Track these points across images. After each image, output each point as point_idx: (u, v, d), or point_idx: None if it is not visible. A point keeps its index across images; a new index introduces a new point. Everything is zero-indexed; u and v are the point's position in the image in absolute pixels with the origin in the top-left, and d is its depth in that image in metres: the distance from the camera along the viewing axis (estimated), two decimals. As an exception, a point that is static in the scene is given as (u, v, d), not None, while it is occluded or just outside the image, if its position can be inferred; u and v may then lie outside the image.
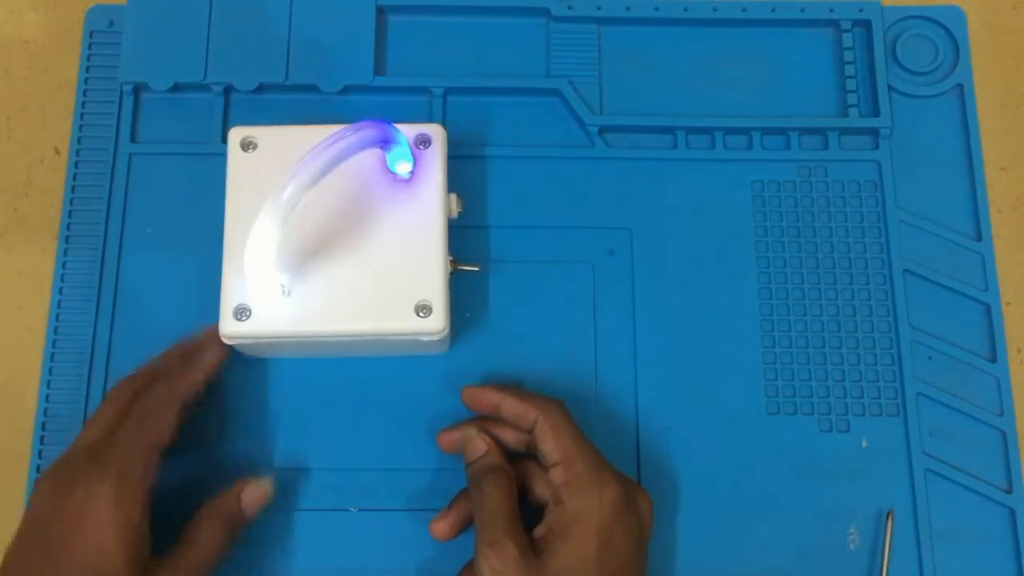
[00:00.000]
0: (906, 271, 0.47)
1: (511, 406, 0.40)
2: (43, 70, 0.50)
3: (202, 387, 0.41)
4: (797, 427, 0.45)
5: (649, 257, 0.47)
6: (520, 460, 0.41)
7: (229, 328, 0.40)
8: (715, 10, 0.50)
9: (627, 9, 0.50)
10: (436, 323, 0.40)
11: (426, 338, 0.41)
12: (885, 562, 0.42)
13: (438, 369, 0.45)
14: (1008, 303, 0.47)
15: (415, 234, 0.41)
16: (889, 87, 0.49)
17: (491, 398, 0.41)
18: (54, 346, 0.45)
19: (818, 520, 0.43)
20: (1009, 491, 0.44)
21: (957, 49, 0.50)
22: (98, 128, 0.48)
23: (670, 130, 0.49)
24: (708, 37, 0.50)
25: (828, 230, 0.47)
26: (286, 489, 0.43)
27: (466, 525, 0.41)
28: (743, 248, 0.47)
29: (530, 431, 0.40)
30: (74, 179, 0.47)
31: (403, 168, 0.41)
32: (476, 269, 0.45)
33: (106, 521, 0.36)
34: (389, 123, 0.39)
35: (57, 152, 0.49)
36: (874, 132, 0.49)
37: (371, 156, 0.41)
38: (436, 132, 0.42)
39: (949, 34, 0.50)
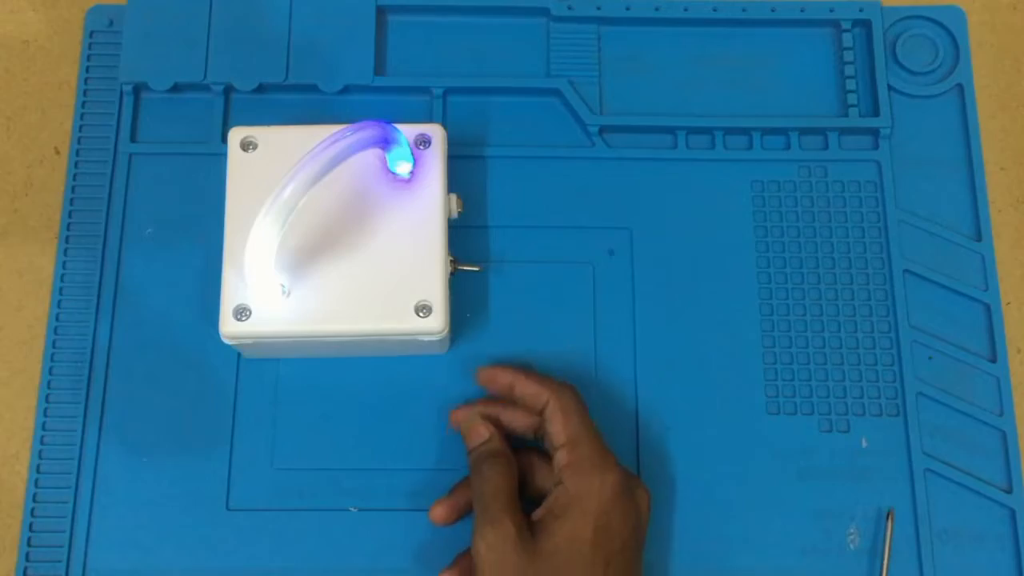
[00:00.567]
0: (906, 271, 0.47)
1: (524, 386, 0.41)
2: (43, 70, 0.50)
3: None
4: (797, 427, 0.45)
5: (649, 257, 0.47)
6: (523, 451, 0.41)
7: (229, 328, 0.40)
8: (715, 10, 0.50)
9: (627, 9, 0.50)
10: (436, 323, 0.40)
11: (426, 338, 0.41)
12: (885, 562, 0.42)
13: (438, 369, 0.45)
14: (1008, 303, 0.47)
15: (415, 234, 0.41)
16: (889, 87, 0.49)
17: (505, 378, 0.42)
18: (54, 346, 0.45)
19: (818, 520, 0.43)
20: (1009, 491, 0.44)
21: (957, 49, 0.50)
22: (98, 128, 0.48)
23: (670, 130, 0.49)
24: (708, 37, 0.50)
25: (828, 230, 0.47)
26: (287, 489, 0.43)
27: (464, 512, 0.41)
28: (743, 248, 0.47)
29: (541, 412, 0.40)
30: (74, 179, 0.47)
31: (403, 168, 0.41)
32: (476, 269, 0.45)
33: None
34: (389, 123, 0.39)
35: (57, 152, 0.49)
36: (874, 132, 0.49)
37: (371, 156, 0.41)
38: (436, 132, 0.42)
39: (949, 34, 0.50)
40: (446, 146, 0.42)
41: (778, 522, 0.43)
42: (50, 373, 0.45)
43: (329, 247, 0.41)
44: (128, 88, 0.48)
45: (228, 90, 0.48)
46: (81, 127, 0.48)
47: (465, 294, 0.45)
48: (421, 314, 0.40)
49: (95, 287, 0.46)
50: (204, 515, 0.43)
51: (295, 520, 0.43)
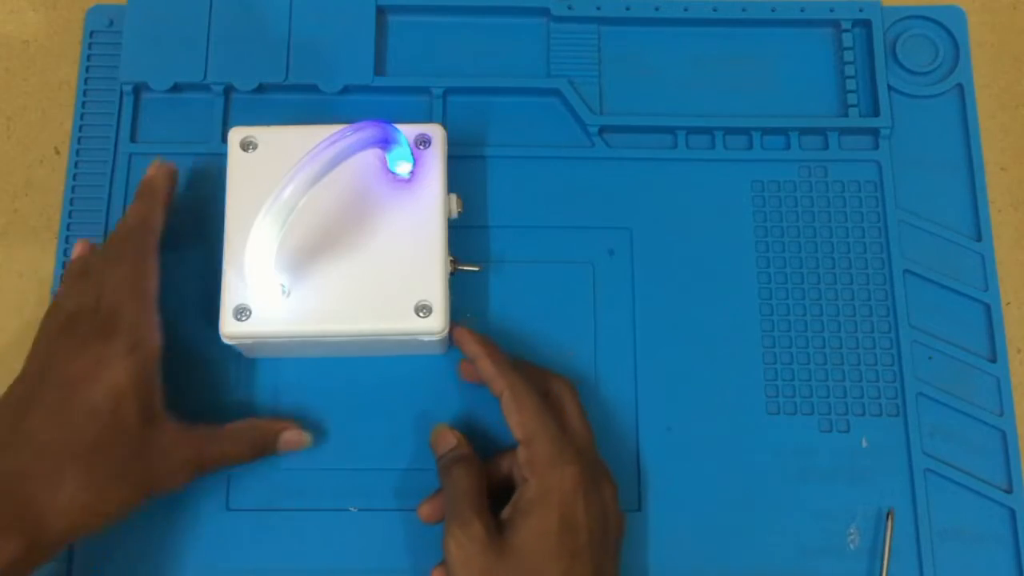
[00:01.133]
0: (906, 271, 0.47)
1: (484, 367, 0.41)
2: (43, 70, 0.50)
3: (162, 217, 0.43)
4: (797, 427, 0.45)
5: (649, 257, 0.47)
6: (505, 452, 0.41)
7: (229, 328, 0.40)
8: (715, 10, 0.50)
9: (627, 9, 0.50)
10: (436, 323, 0.40)
11: (426, 338, 0.41)
12: (885, 562, 0.42)
13: (438, 369, 0.45)
14: (1008, 303, 0.47)
15: (415, 234, 0.41)
16: (889, 87, 0.49)
17: (471, 349, 0.42)
18: (54, 346, 0.45)
19: (818, 520, 0.43)
20: (1009, 491, 0.44)
21: (957, 49, 0.50)
22: (98, 128, 0.48)
23: (670, 130, 0.49)
24: (708, 37, 0.50)
25: (828, 230, 0.47)
26: (287, 489, 0.43)
27: None
28: (743, 248, 0.47)
29: (498, 398, 0.40)
30: (74, 179, 0.47)
31: (403, 168, 0.41)
32: (476, 269, 0.45)
33: (121, 377, 0.38)
34: (389, 123, 0.39)
35: (57, 152, 0.49)
36: (874, 132, 0.49)
37: (371, 156, 0.41)
38: (436, 132, 0.42)
39: (949, 34, 0.50)
40: (446, 146, 0.42)
41: (778, 522, 0.43)
42: (50, 373, 0.45)
43: (329, 247, 0.41)
44: (128, 88, 0.48)
45: (228, 90, 0.48)
46: (81, 127, 0.48)
47: (465, 294, 0.45)
48: (421, 314, 0.40)
49: (95, 287, 0.46)
50: (204, 515, 0.43)
51: (295, 520, 0.43)
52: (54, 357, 0.39)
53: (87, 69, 0.49)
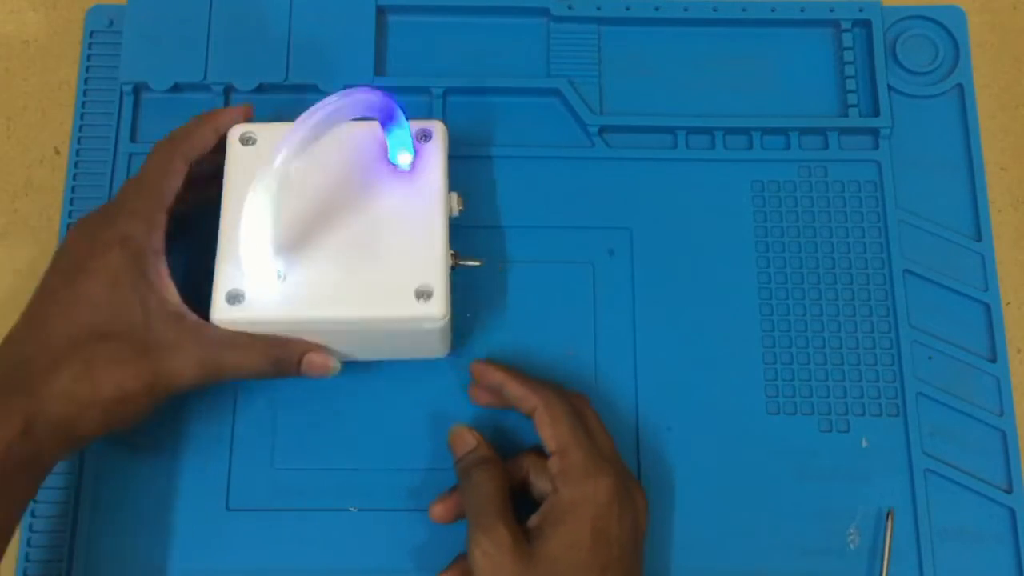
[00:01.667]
0: (906, 271, 0.47)
1: (513, 389, 0.40)
2: (43, 70, 0.50)
3: (211, 143, 0.41)
4: (797, 427, 0.45)
5: (649, 257, 0.47)
6: (523, 455, 0.41)
7: (220, 314, 0.39)
8: (715, 10, 0.50)
9: (627, 9, 0.50)
10: (437, 308, 0.39)
11: (428, 325, 0.40)
12: (885, 562, 0.42)
13: (438, 369, 0.45)
14: (1008, 303, 0.47)
15: (415, 221, 0.40)
16: (889, 87, 0.49)
17: (495, 377, 0.41)
18: (54, 346, 0.45)
19: (818, 520, 0.43)
20: (1009, 491, 0.44)
21: (957, 49, 0.50)
22: (98, 128, 0.48)
23: (670, 130, 0.49)
24: (708, 37, 0.50)
25: (828, 230, 0.47)
26: (287, 489, 0.43)
27: (463, 511, 0.40)
28: (743, 248, 0.47)
29: (530, 416, 0.40)
30: (74, 179, 0.47)
31: (404, 159, 0.41)
32: (478, 263, 0.44)
33: (113, 264, 0.38)
34: (390, 95, 0.38)
35: (57, 152, 0.49)
36: (874, 132, 0.49)
37: (372, 146, 0.41)
38: (436, 126, 0.42)
39: (949, 34, 0.50)
40: (447, 140, 0.42)
41: (778, 522, 0.43)
42: (50, 373, 0.45)
43: (327, 234, 0.40)
44: (128, 88, 0.48)
45: (228, 90, 0.48)
46: (81, 127, 0.48)
47: (465, 294, 0.45)
48: (422, 299, 0.39)
49: (95, 287, 0.45)
50: (204, 515, 0.43)
51: (295, 520, 0.43)
52: (65, 244, 0.40)
53: (87, 69, 0.49)
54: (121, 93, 0.48)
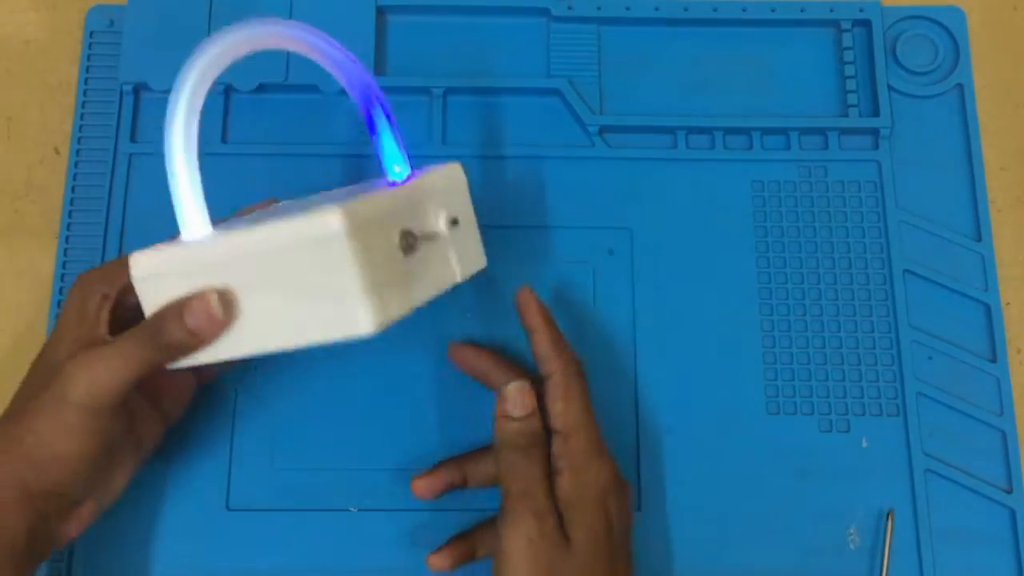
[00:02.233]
0: (906, 271, 0.47)
1: (539, 343, 0.38)
2: (43, 70, 0.50)
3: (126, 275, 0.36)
4: (797, 427, 0.45)
5: (649, 257, 0.47)
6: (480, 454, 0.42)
7: (137, 258, 0.35)
8: (715, 10, 0.50)
9: (627, 9, 0.50)
10: (333, 216, 0.32)
11: (321, 230, 0.32)
12: (885, 562, 0.42)
13: (438, 368, 0.45)
14: (1008, 303, 0.47)
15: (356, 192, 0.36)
16: (889, 87, 0.49)
17: (531, 321, 0.39)
18: (54, 346, 0.45)
19: (818, 520, 0.43)
20: (1009, 491, 0.44)
21: (957, 49, 0.50)
22: (98, 128, 0.48)
23: (670, 130, 0.49)
24: (708, 37, 0.50)
25: (828, 230, 0.47)
26: (287, 489, 0.43)
27: (463, 561, 0.40)
28: (743, 248, 0.47)
29: (542, 379, 0.38)
30: (74, 179, 0.47)
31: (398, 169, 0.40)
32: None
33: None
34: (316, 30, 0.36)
35: (57, 152, 0.49)
36: (874, 132, 0.49)
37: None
38: (453, 170, 0.39)
39: (949, 34, 0.50)
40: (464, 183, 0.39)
41: (778, 522, 0.43)
42: (50, 373, 0.45)
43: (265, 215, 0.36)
44: (128, 88, 0.48)
45: (228, 90, 0.48)
46: (81, 127, 0.48)
47: (465, 293, 0.45)
48: (317, 213, 0.32)
49: (95, 287, 0.45)
50: (204, 515, 0.43)
51: (295, 520, 0.43)
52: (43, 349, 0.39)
53: (87, 69, 0.49)
54: (121, 93, 0.48)
